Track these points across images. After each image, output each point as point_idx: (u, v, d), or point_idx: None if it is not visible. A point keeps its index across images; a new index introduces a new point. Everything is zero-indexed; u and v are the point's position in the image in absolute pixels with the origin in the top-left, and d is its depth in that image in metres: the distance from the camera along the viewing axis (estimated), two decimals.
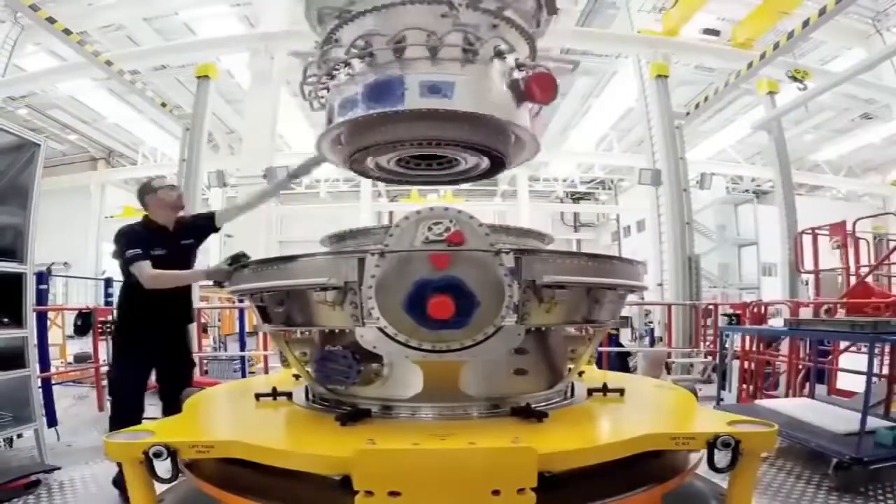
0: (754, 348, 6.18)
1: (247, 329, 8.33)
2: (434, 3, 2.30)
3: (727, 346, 6.55)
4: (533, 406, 2.03)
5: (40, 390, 4.48)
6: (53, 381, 5.70)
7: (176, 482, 1.87)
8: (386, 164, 2.71)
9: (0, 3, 9.17)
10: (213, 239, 3.85)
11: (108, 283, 9.53)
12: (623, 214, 23.68)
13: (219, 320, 11.92)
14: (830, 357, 5.78)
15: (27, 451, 4.24)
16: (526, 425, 1.91)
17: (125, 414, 3.12)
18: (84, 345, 8.62)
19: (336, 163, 2.84)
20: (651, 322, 11.15)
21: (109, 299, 8.85)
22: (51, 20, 7.61)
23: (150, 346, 3.30)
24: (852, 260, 7.14)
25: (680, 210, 9.32)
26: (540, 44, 2.68)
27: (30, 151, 4.01)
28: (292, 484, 1.72)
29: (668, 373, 8.17)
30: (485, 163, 2.68)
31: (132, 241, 3.15)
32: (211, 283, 2.97)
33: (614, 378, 2.81)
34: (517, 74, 2.45)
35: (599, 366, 6.05)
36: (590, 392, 2.38)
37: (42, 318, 5.30)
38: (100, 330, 6.42)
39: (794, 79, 9.33)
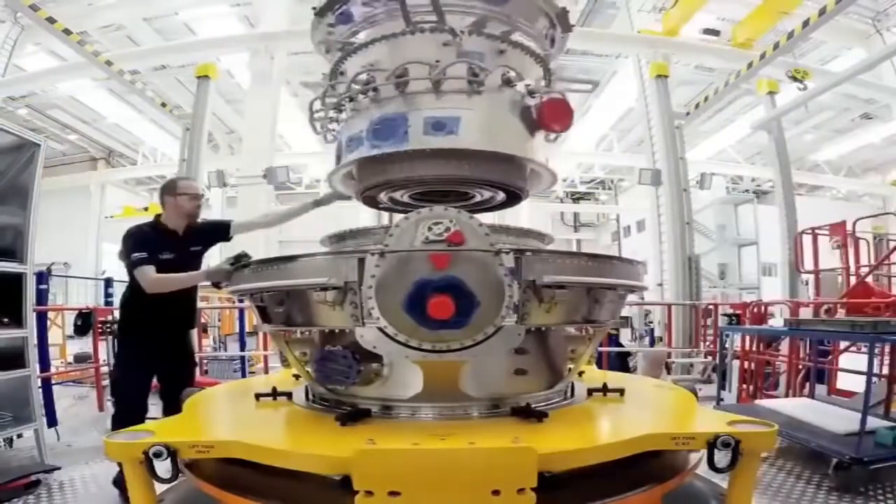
0: (754, 348, 6.18)
1: (247, 329, 8.32)
2: (437, 31, 2.25)
3: (727, 346, 6.55)
4: (533, 406, 2.03)
5: (40, 390, 4.47)
6: (53, 381, 5.70)
7: (176, 482, 1.87)
8: (400, 198, 2.67)
9: (0, 4, 9.18)
10: None
11: (109, 283, 9.53)
12: (623, 214, 23.66)
13: (219, 320, 11.90)
14: (830, 357, 5.78)
15: (27, 451, 4.23)
16: (526, 425, 1.91)
17: (128, 415, 3.11)
18: (84, 345, 8.62)
19: (350, 196, 2.80)
20: (651, 322, 11.15)
21: (109, 299, 8.84)
22: (51, 20, 7.62)
23: (151, 348, 3.28)
24: (852, 260, 7.14)
25: (680, 210, 9.32)
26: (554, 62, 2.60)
27: (30, 151, 4.00)
28: (292, 484, 1.72)
29: (668, 373, 8.17)
30: (500, 196, 2.63)
31: (139, 244, 3.11)
32: (209, 283, 2.95)
33: (614, 378, 2.81)
34: (529, 101, 2.38)
35: (599, 366, 6.05)
36: (590, 392, 2.38)
37: (42, 318, 5.29)
38: (100, 330, 6.42)
39: (794, 79, 9.34)
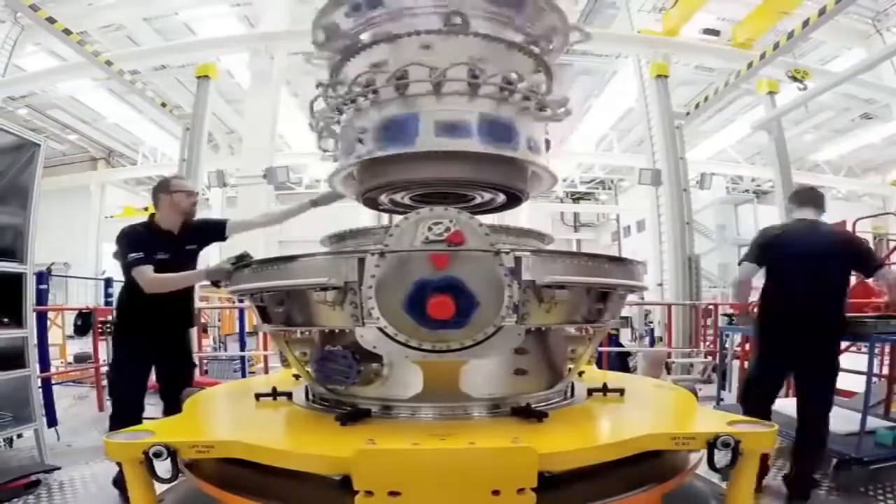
0: None
1: (247, 329, 8.33)
2: (442, 33, 2.26)
3: (727, 346, 6.54)
4: (533, 406, 2.03)
5: (40, 390, 4.48)
6: (53, 381, 5.70)
7: (176, 482, 1.87)
8: (400, 200, 2.68)
9: (0, 4, 9.17)
10: None
11: (108, 283, 9.53)
12: (623, 214, 23.64)
13: (219, 320, 11.91)
14: None
15: (27, 451, 4.24)
16: (526, 425, 1.91)
17: (125, 414, 3.11)
18: (84, 345, 8.62)
19: (350, 197, 2.80)
20: (651, 322, 11.15)
21: (109, 299, 8.85)
22: (51, 20, 7.61)
23: (148, 347, 3.28)
24: None
25: (680, 210, 9.32)
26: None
27: (30, 151, 4.01)
28: (292, 484, 1.72)
29: (668, 373, 8.17)
30: (500, 198, 2.65)
31: (134, 244, 3.10)
32: (209, 283, 2.95)
33: (614, 378, 2.82)
34: (532, 104, 2.40)
35: (599, 366, 6.05)
36: (590, 392, 2.38)
37: (42, 318, 5.30)
38: (100, 330, 6.42)
39: (794, 79, 9.32)
